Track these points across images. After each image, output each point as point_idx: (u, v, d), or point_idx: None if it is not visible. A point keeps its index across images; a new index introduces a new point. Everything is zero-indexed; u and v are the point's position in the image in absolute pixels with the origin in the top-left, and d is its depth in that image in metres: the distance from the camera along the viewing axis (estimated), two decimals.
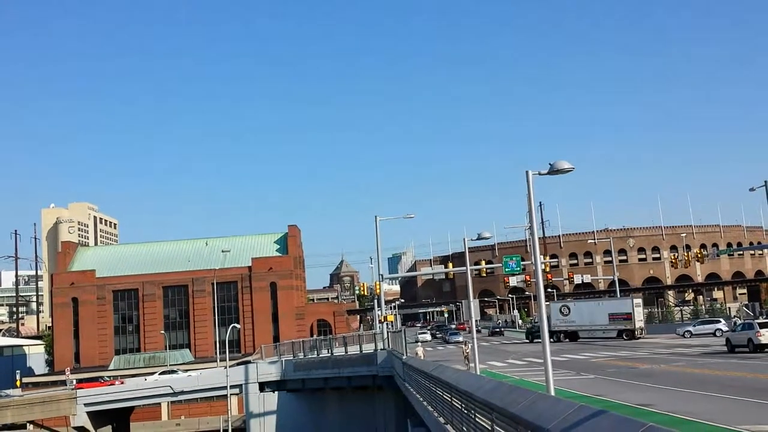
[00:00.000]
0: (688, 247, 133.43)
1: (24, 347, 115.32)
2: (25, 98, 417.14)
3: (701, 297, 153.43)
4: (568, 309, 77.67)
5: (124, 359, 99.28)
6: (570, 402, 10.13)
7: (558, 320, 76.74)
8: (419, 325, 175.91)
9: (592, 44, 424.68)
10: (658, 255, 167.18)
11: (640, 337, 68.64)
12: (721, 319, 70.33)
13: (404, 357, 37.94)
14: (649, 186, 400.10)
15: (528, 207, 24.34)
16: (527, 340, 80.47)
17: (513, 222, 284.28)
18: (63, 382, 79.43)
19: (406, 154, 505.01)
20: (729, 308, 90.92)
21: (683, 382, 29.69)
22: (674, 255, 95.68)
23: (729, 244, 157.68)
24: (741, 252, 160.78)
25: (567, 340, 75.65)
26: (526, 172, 22.89)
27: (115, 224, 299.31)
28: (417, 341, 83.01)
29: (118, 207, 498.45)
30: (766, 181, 53.36)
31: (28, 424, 71.10)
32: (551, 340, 77.12)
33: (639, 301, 73.57)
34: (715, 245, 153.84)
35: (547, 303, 73.72)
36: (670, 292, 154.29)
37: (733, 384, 28.06)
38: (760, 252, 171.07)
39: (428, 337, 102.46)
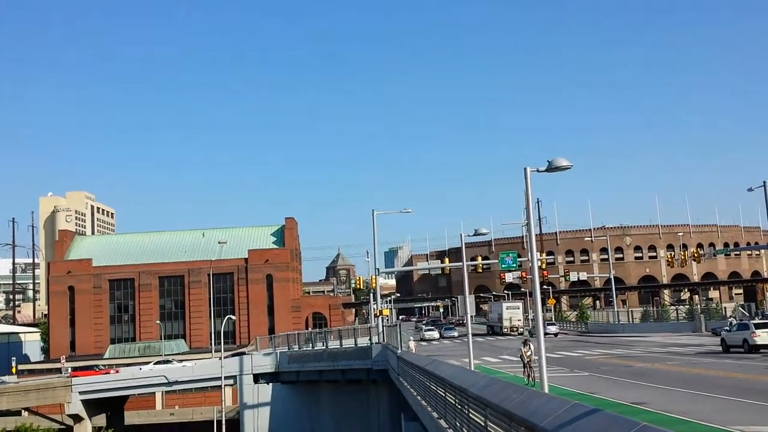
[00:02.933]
0: (684, 247, 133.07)
1: (20, 334, 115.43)
2: (24, 87, 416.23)
3: (697, 296, 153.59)
4: (492, 309, 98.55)
5: (120, 348, 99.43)
6: (564, 400, 10.09)
7: (491, 318, 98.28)
8: (415, 319, 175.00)
9: (592, 42, 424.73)
10: (654, 254, 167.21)
11: (508, 335, 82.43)
12: (553, 324, 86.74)
13: (399, 351, 37.93)
14: (646, 185, 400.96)
15: (525, 203, 24.30)
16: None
17: (510, 218, 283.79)
18: (58, 370, 79.52)
19: (403, 148, 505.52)
20: (725, 308, 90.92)
21: (677, 382, 29.70)
22: (671, 254, 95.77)
23: (726, 244, 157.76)
24: (738, 252, 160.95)
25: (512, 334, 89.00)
26: (524, 168, 22.80)
27: (112, 214, 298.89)
28: (422, 339, 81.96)
29: (115, 197, 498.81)
30: (765, 182, 53.17)
31: (23, 411, 71.23)
32: (489, 332, 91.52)
33: (515, 304, 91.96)
34: (712, 245, 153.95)
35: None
36: (666, 291, 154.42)
37: (726, 384, 28.06)
38: (757, 252, 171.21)
39: (436, 334, 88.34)
